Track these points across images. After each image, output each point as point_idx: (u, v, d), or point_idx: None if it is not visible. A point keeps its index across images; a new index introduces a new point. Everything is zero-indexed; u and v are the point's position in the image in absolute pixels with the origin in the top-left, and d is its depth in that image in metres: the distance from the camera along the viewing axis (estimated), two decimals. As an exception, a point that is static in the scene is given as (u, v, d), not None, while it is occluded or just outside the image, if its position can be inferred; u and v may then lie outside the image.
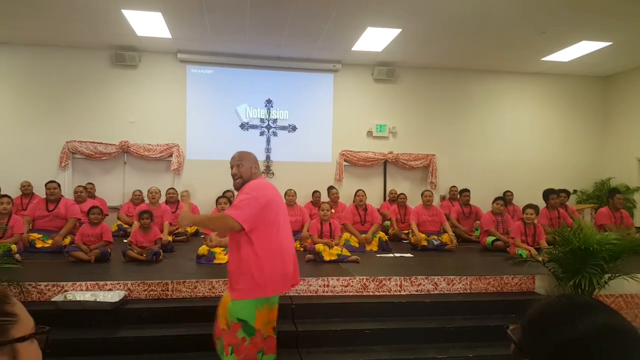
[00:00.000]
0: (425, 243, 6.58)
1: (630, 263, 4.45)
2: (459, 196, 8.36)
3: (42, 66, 8.16)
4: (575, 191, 9.56)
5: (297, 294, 4.45)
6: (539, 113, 9.85)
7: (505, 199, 7.67)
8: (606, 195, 7.66)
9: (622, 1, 5.95)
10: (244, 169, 2.91)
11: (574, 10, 6.29)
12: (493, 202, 7.07)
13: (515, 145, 9.68)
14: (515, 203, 8.65)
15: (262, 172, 8.85)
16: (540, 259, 4.80)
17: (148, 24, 6.97)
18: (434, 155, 9.38)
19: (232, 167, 2.93)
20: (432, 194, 7.34)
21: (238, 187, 2.91)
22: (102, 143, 8.30)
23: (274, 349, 2.96)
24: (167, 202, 7.57)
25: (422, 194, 7.28)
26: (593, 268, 4.18)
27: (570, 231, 4.52)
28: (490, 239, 6.80)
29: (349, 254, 5.62)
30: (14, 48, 8.03)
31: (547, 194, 7.14)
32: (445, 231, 6.85)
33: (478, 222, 7.78)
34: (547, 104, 9.87)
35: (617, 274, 4.34)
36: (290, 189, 7.15)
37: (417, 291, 4.64)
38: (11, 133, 8.07)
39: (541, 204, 7.15)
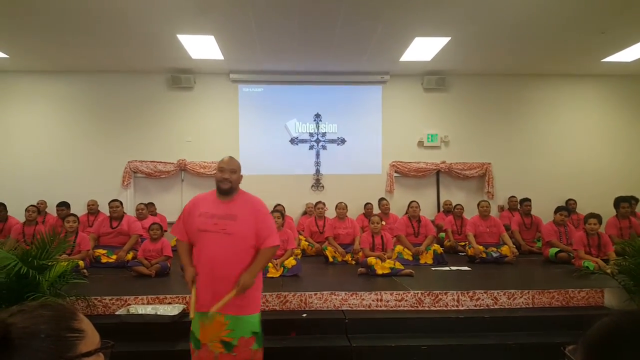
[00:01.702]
0: (483, 255, 6.33)
1: None
2: (519, 206, 8.00)
3: (105, 91, 8.74)
4: (645, 198, 8.87)
5: (350, 309, 4.41)
6: (601, 116, 9.27)
7: (568, 208, 7.25)
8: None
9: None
10: (236, 177, 2.92)
11: (635, 7, 5.91)
12: (556, 212, 6.72)
13: (577, 151, 9.15)
14: (580, 212, 8.16)
15: (312, 186, 8.99)
16: (608, 271, 4.49)
17: (202, 47, 7.30)
18: (489, 164, 9.06)
19: (225, 171, 2.87)
20: (489, 204, 7.07)
21: (225, 192, 2.88)
22: (161, 162, 8.72)
23: None
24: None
25: (478, 205, 7.04)
26: (669, 281, 3.86)
27: (641, 241, 4.20)
28: (553, 250, 6.44)
29: (402, 267, 5.51)
30: (79, 75, 8.65)
31: (618, 202, 6.71)
32: (504, 242, 6.57)
33: (539, 233, 7.41)
34: (611, 106, 9.28)
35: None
36: (341, 202, 7.14)
37: (475, 306, 4.45)
38: (78, 155, 8.66)
39: (609, 212, 6.70)
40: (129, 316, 4.03)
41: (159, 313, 4.06)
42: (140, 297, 4.35)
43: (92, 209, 7.80)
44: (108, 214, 6.75)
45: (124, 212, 6.79)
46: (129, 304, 4.26)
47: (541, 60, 8.24)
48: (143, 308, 4.17)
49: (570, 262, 6.05)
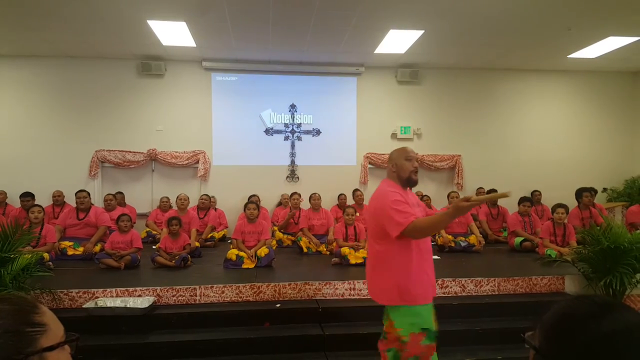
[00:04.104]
0: (452, 244, 6.49)
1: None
2: (486, 197, 8.21)
3: (71, 77, 8.43)
4: (605, 189, 9.27)
5: (323, 298, 4.45)
6: (566, 111, 9.59)
7: (531, 199, 7.52)
8: (637, 192, 7.41)
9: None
10: None
11: (600, 6, 6.11)
12: (519, 203, 6.96)
13: (543, 144, 9.44)
14: (544, 203, 8.46)
15: (287, 177, 8.96)
16: (569, 259, 4.70)
17: (173, 34, 7.12)
18: (459, 156, 9.24)
19: (415, 160, 2.71)
20: (459, 195, 7.24)
21: (416, 183, 2.72)
22: (130, 151, 8.51)
23: None
24: (199, 207, 7.70)
25: (448, 195, 7.20)
26: (624, 267, 4.10)
27: (600, 230, 4.40)
28: (518, 239, 6.67)
29: (374, 257, 5.58)
30: (43, 60, 8.31)
31: (580, 192, 6.97)
32: (472, 232, 6.74)
33: (505, 223, 7.65)
34: (575, 101, 9.60)
35: (649, 273, 4.23)
36: (315, 193, 7.16)
37: (444, 293, 4.57)
38: (42, 143, 8.34)
39: (571, 203, 6.97)
40: (97, 309, 3.95)
41: (128, 306, 3.99)
42: (109, 289, 4.27)
43: (58, 200, 7.55)
44: (74, 205, 6.55)
45: (92, 203, 6.61)
46: (97, 297, 4.17)
47: (510, 56, 8.43)
48: (112, 301, 4.09)
49: (534, 250, 6.28)
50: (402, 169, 2.65)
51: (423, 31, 7.03)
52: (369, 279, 2.69)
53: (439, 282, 4.58)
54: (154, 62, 8.41)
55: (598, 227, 4.55)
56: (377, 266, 2.60)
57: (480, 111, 9.37)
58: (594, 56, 8.32)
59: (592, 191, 7.24)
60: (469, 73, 9.26)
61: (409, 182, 2.66)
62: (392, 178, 2.69)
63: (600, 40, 7.49)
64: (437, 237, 6.82)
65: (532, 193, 8.63)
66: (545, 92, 9.52)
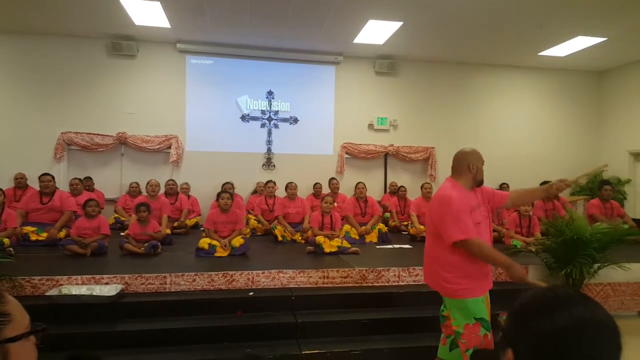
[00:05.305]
0: (424, 234, 6.57)
1: (618, 252, 4.56)
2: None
3: (36, 55, 8.04)
4: (569, 183, 9.57)
5: (297, 286, 4.44)
6: (535, 107, 9.85)
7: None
8: (598, 187, 7.74)
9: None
10: None
11: (570, 6, 6.29)
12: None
13: (512, 138, 9.68)
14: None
15: (263, 165, 8.85)
16: (533, 249, 4.84)
17: (146, 13, 6.88)
18: (433, 148, 9.36)
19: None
20: (432, 186, 7.34)
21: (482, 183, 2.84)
22: (98, 134, 8.22)
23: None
24: (166, 193, 7.50)
25: (421, 187, 7.29)
26: (584, 258, 4.29)
27: (562, 222, 4.57)
28: (487, 230, 6.82)
29: (349, 245, 5.61)
30: (7, 36, 7.90)
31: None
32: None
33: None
34: (544, 98, 9.88)
35: (606, 263, 4.45)
36: (292, 182, 7.11)
37: (414, 281, 4.64)
38: (4, 124, 7.96)
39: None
40: (61, 297, 3.81)
41: (95, 293, 3.87)
42: (74, 277, 4.12)
43: (20, 183, 7.21)
44: (38, 189, 6.28)
45: (56, 187, 6.34)
46: (61, 285, 4.02)
47: (484, 51, 8.57)
48: (77, 288, 3.95)
49: (501, 241, 6.46)
50: (479, 173, 2.77)
51: (402, 23, 7.03)
52: (426, 268, 2.84)
53: (410, 270, 4.65)
54: (125, 42, 8.12)
55: (561, 219, 4.72)
56: (434, 258, 2.74)
57: (454, 104, 9.50)
58: (563, 54, 8.56)
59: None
60: (445, 67, 9.35)
61: (479, 184, 2.82)
62: (466, 178, 2.74)
63: (569, 39, 7.71)
64: (409, 226, 6.91)
65: (500, 186, 8.83)
66: (516, 88, 9.74)
